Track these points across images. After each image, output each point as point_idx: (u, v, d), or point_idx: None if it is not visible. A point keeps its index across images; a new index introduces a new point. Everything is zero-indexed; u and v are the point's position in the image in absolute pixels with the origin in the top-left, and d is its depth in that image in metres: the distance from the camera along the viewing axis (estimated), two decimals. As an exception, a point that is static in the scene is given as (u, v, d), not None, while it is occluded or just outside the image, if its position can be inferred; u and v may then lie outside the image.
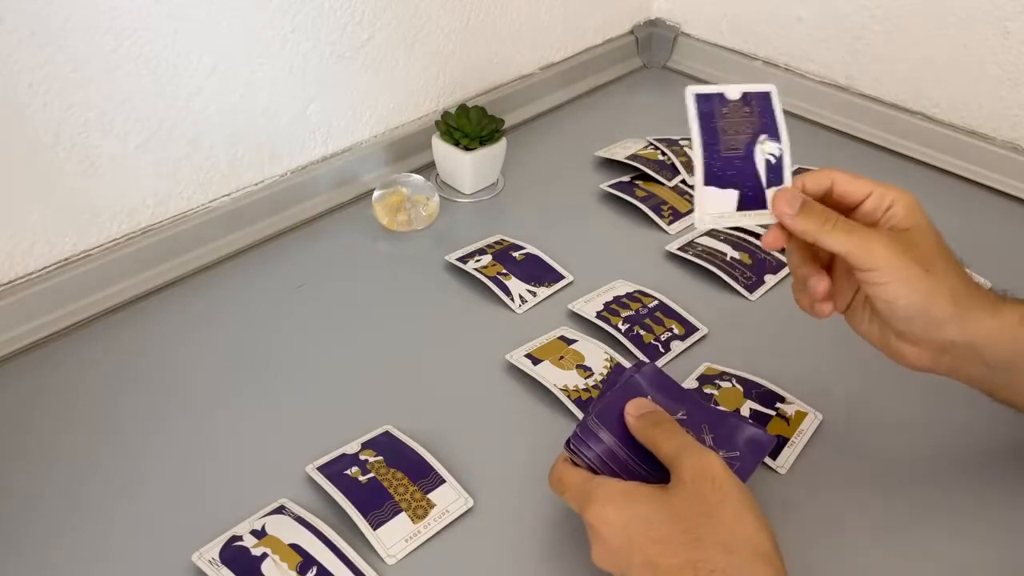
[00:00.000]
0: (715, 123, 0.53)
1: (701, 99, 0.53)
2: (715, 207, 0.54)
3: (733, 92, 0.54)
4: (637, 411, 0.53)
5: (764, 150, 0.54)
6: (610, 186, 0.91)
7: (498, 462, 0.62)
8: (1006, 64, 0.91)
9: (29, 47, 0.64)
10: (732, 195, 0.54)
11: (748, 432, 0.57)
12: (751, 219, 0.54)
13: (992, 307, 0.52)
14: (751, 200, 0.54)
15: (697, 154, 0.53)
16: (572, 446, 0.53)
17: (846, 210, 0.54)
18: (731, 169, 0.53)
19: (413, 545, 0.56)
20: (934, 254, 0.52)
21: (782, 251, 0.59)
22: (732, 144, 0.53)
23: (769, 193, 0.54)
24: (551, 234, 0.85)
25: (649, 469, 0.52)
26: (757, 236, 0.85)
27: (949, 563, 0.56)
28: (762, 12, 1.08)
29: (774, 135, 0.54)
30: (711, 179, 0.53)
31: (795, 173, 0.54)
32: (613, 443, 0.52)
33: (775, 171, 0.54)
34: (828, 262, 0.56)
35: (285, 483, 0.60)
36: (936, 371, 0.55)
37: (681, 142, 0.98)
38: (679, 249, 0.83)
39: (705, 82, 1.15)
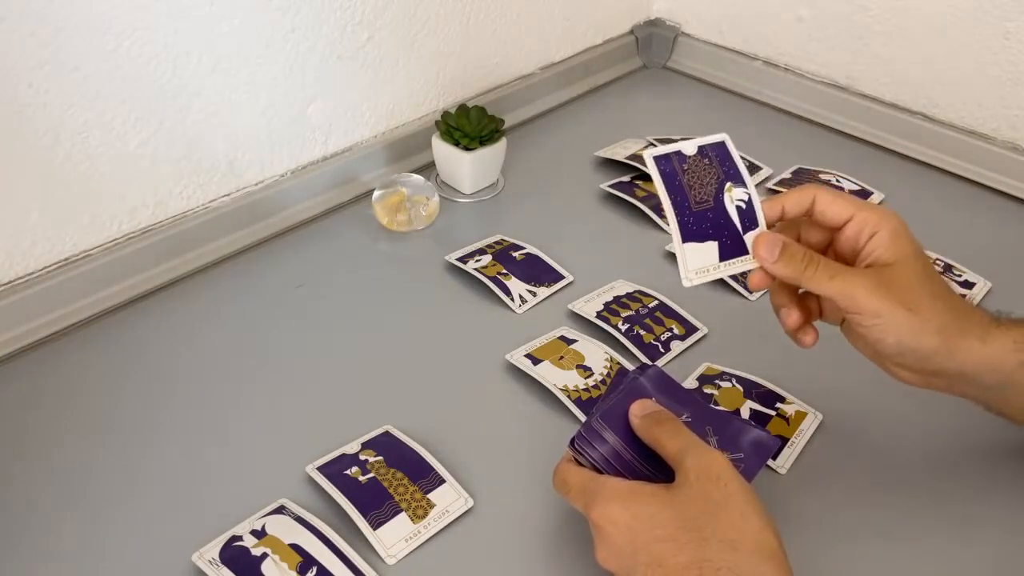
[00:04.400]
0: (679, 180, 0.54)
1: (661, 160, 0.54)
2: (697, 262, 0.54)
3: (689, 148, 0.55)
4: (641, 411, 0.53)
5: (732, 197, 0.55)
6: (610, 186, 0.91)
7: (498, 462, 0.62)
8: (1006, 64, 0.91)
9: (29, 47, 0.64)
10: (712, 247, 0.54)
11: (752, 434, 0.57)
12: (735, 267, 0.55)
13: (983, 334, 0.52)
14: (731, 249, 0.55)
15: (669, 214, 0.54)
16: (576, 445, 0.53)
17: (828, 231, 0.54)
18: (705, 222, 0.54)
19: (413, 545, 0.56)
20: (919, 289, 0.51)
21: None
22: (700, 197, 0.54)
23: (748, 238, 0.54)
24: (551, 234, 0.85)
25: (653, 469, 0.52)
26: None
27: (949, 562, 0.56)
28: (762, 12, 1.08)
29: (738, 181, 0.55)
30: (688, 236, 0.54)
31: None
32: (618, 443, 0.53)
33: (748, 216, 0.55)
34: None
35: (285, 483, 0.60)
36: (930, 388, 0.56)
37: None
38: (679, 249, 0.83)
39: (706, 83, 1.15)
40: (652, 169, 0.54)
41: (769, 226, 0.55)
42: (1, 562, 0.55)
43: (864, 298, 0.50)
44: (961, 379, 0.53)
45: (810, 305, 0.57)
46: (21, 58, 0.64)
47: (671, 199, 0.54)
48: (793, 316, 0.56)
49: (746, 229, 0.55)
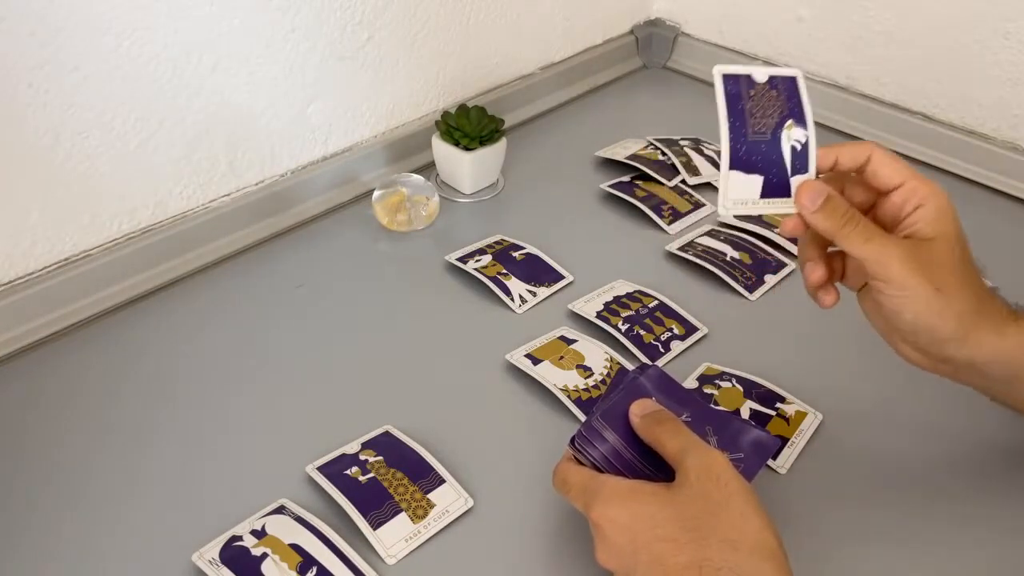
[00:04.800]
0: (742, 105, 0.52)
1: (729, 80, 0.52)
2: (739, 193, 0.52)
3: (760, 75, 0.52)
4: (641, 411, 0.53)
5: (790, 136, 0.52)
6: (610, 186, 0.91)
7: (498, 462, 0.62)
8: (1006, 64, 0.91)
9: (29, 47, 0.64)
10: (757, 181, 0.52)
11: (752, 434, 0.57)
12: (774, 207, 0.53)
13: (1000, 326, 0.51)
14: (775, 188, 0.52)
15: (724, 136, 0.52)
16: (576, 444, 0.53)
17: (873, 193, 0.53)
18: (757, 154, 0.52)
19: (413, 545, 0.56)
20: (950, 271, 0.50)
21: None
22: (759, 128, 0.52)
23: (794, 181, 0.52)
24: (551, 234, 0.85)
25: (654, 469, 0.52)
26: (757, 236, 0.85)
27: (949, 562, 0.56)
28: (762, 12, 1.08)
29: (800, 120, 0.53)
30: (736, 163, 0.52)
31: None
32: (618, 443, 0.52)
33: (801, 158, 0.53)
34: None
35: (285, 483, 0.60)
36: (935, 373, 0.55)
37: (681, 142, 0.98)
38: (679, 249, 0.83)
39: (706, 83, 1.15)
40: (718, 85, 0.52)
41: (818, 175, 0.53)
42: (1, 562, 0.55)
43: (896, 268, 0.49)
44: (969, 369, 0.53)
45: (835, 265, 0.56)
46: (21, 58, 0.64)
47: (729, 121, 0.52)
48: (818, 272, 0.54)
49: (795, 172, 0.52)
